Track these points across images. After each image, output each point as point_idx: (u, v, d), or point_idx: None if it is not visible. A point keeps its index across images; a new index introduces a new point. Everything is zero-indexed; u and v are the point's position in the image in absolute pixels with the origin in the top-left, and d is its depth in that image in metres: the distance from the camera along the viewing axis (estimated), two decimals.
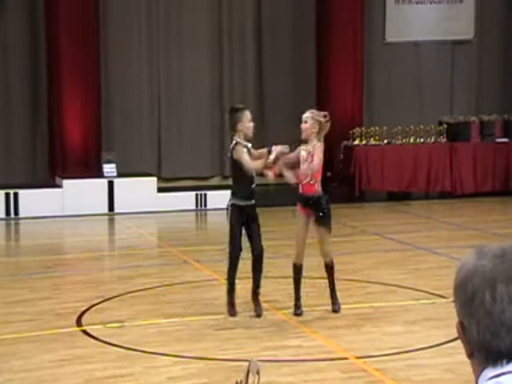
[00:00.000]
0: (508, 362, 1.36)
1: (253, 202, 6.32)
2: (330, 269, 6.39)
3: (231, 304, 6.32)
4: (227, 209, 6.32)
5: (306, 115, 6.37)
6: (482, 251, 1.42)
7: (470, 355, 1.40)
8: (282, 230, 9.57)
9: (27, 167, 13.90)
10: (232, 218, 6.25)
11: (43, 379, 5.05)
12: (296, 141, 6.44)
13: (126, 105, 14.22)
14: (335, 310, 6.37)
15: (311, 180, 6.25)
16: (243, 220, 6.25)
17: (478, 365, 1.39)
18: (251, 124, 6.31)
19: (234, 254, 6.28)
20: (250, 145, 6.32)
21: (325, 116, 6.35)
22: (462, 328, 1.40)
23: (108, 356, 5.45)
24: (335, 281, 6.43)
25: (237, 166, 6.25)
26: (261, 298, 6.40)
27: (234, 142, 6.26)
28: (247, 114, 6.31)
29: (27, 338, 5.91)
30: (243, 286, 6.55)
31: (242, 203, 6.24)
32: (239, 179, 6.30)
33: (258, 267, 6.32)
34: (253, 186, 6.30)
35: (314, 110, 6.49)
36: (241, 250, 6.29)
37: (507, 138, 13.95)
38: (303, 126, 6.34)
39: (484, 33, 15.50)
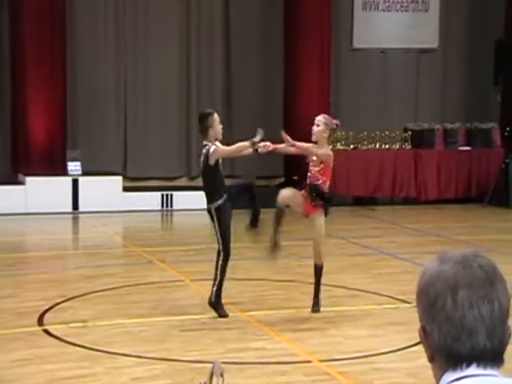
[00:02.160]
0: (468, 366, 1.38)
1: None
2: (316, 271, 6.42)
3: (222, 304, 6.32)
4: (210, 212, 6.30)
5: (319, 118, 6.45)
6: (444, 257, 1.44)
7: (431, 359, 1.43)
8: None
9: None
10: (224, 216, 6.25)
11: (4, 379, 4.97)
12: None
13: (92, 102, 14.08)
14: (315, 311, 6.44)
15: (318, 180, 6.30)
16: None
17: (439, 369, 1.41)
18: (220, 126, 6.33)
19: (229, 253, 6.29)
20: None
21: (337, 125, 6.45)
22: (424, 332, 1.42)
23: (70, 356, 5.39)
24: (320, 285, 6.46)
25: (214, 170, 6.25)
26: (224, 300, 6.40)
27: (208, 146, 6.26)
28: (216, 118, 6.33)
29: None
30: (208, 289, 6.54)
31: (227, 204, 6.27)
32: (218, 183, 6.32)
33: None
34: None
35: (326, 116, 6.53)
36: None
37: (470, 147, 14.19)
38: (315, 128, 6.39)
39: (448, 42, 15.74)
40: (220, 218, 6.25)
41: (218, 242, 6.28)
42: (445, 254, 1.45)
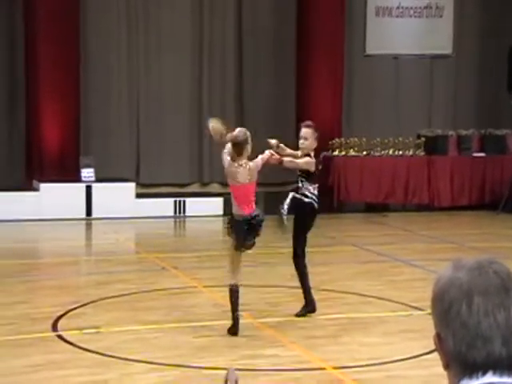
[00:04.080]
0: (484, 374, 1.37)
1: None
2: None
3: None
4: (283, 213, 6.30)
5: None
6: (458, 264, 1.43)
7: (446, 366, 1.42)
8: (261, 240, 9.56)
9: (4, 170, 13.75)
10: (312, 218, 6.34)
11: None
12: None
13: (105, 109, 14.15)
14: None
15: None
16: None
17: (454, 376, 1.40)
18: None
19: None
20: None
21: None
22: (439, 339, 1.41)
23: (83, 362, 5.40)
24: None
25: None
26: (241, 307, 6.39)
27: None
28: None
29: (1, 342, 5.84)
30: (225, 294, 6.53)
31: None
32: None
33: None
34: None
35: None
36: None
37: (484, 153, 14.12)
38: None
39: (462, 48, 15.70)
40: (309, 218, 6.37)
41: None
42: (459, 260, 1.45)
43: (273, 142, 6.44)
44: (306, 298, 6.47)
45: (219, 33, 14.69)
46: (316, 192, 6.44)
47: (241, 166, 5.99)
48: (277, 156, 6.24)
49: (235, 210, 6.04)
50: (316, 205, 6.43)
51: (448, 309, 1.39)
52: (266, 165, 6.20)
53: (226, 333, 6.06)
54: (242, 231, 5.94)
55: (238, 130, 6.13)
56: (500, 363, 1.36)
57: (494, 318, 1.36)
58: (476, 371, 1.37)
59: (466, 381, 1.37)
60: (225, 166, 6.06)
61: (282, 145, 6.49)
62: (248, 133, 6.10)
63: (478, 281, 1.39)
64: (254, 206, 6.05)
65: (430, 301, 1.43)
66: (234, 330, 5.97)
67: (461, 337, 1.37)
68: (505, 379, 1.37)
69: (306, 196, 6.40)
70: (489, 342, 1.36)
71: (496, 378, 1.36)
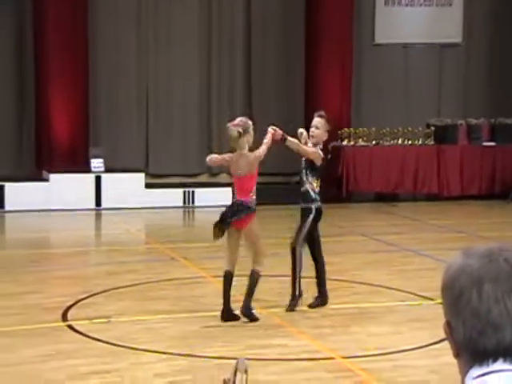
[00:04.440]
0: (494, 361, 1.36)
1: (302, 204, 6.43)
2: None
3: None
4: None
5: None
6: (468, 252, 1.43)
7: (457, 355, 1.41)
8: (270, 229, 9.58)
9: (14, 160, 13.82)
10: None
11: (27, 374, 5.02)
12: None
13: (114, 100, 14.17)
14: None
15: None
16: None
17: (464, 364, 1.40)
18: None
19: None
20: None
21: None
22: (449, 327, 1.41)
23: (93, 352, 5.43)
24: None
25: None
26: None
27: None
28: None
29: (12, 332, 5.88)
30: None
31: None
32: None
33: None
34: (301, 189, 6.38)
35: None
36: None
37: (494, 142, 14.06)
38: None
39: (472, 37, 15.60)
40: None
41: None
42: (470, 248, 1.44)
43: (301, 130, 6.41)
44: (319, 289, 6.50)
45: (228, 23, 14.66)
46: (318, 189, 6.37)
47: (241, 156, 6.01)
48: (280, 132, 6.17)
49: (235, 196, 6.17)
50: (321, 205, 6.40)
51: (458, 296, 1.38)
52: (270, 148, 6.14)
53: (235, 323, 6.08)
54: (228, 209, 6.01)
55: (238, 119, 6.12)
56: (510, 350, 1.36)
57: (504, 305, 1.36)
58: (486, 359, 1.37)
59: (477, 368, 1.37)
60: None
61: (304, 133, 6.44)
62: (250, 122, 6.08)
63: (488, 268, 1.38)
64: (251, 195, 6.05)
65: (441, 289, 1.43)
66: (224, 316, 6.07)
67: (471, 325, 1.37)
68: None
69: (311, 199, 6.34)
70: (499, 330, 1.36)
71: (506, 365, 1.36)
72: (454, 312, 1.40)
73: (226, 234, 6.06)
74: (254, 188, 6.11)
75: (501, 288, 1.37)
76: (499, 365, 1.36)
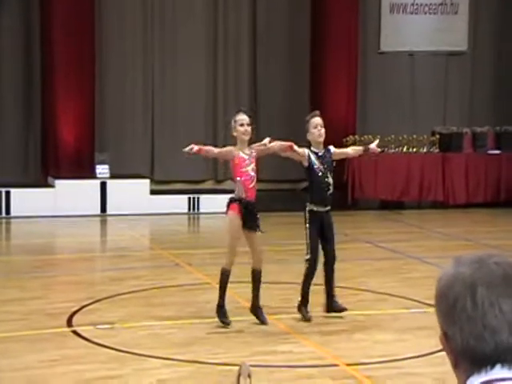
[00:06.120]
0: (492, 368, 1.36)
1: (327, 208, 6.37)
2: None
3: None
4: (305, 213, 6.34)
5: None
6: (459, 260, 1.44)
7: (455, 365, 1.41)
8: (274, 236, 9.58)
9: (19, 166, 13.86)
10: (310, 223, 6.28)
11: (32, 379, 5.03)
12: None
13: (119, 106, 14.21)
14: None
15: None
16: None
17: (463, 374, 1.39)
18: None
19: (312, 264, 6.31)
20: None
21: None
22: (446, 338, 1.41)
23: (98, 357, 5.43)
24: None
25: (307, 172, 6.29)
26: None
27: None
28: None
29: (17, 337, 5.89)
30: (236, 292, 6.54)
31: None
32: (311, 187, 6.34)
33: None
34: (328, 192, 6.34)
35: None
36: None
37: (499, 150, 14.04)
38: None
39: (478, 45, 15.60)
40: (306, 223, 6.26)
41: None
42: (460, 257, 1.45)
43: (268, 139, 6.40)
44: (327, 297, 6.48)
45: (234, 31, 14.70)
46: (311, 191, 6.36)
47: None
48: (286, 143, 6.22)
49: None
50: (312, 206, 6.34)
51: (453, 304, 1.38)
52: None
53: (239, 329, 6.08)
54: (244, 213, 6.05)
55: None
56: (509, 353, 1.36)
57: (499, 308, 1.36)
58: (485, 365, 1.36)
59: (476, 377, 1.37)
60: None
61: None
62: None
63: (480, 273, 1.39)
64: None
65: (434, 301, 1.43)
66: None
67: (468, 331, 1.37)
68: None
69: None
70: (496, 333, 1.36)
71: (505, 373, 1.35)
72: (450, 321, 1.39)
73: (240, 234, 6.08)
74: (237, 179, 6.13)
75: (495, 291, 1.37)
76: (498, 371, 1.35)
